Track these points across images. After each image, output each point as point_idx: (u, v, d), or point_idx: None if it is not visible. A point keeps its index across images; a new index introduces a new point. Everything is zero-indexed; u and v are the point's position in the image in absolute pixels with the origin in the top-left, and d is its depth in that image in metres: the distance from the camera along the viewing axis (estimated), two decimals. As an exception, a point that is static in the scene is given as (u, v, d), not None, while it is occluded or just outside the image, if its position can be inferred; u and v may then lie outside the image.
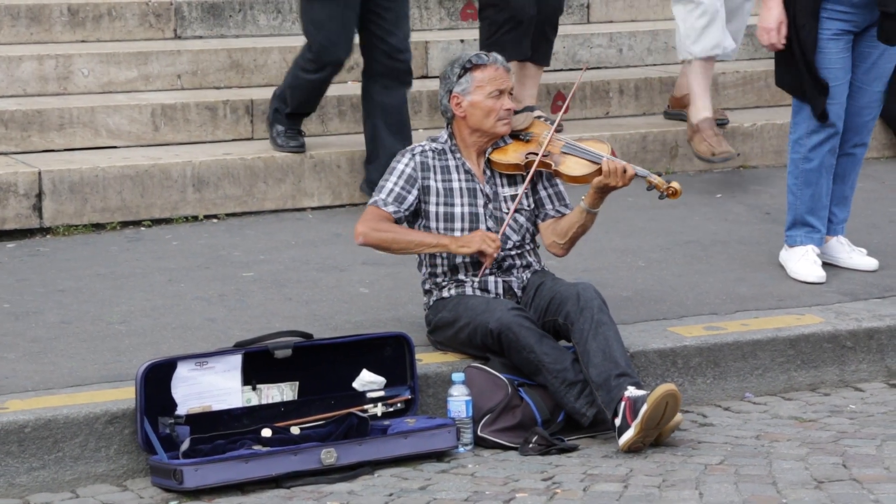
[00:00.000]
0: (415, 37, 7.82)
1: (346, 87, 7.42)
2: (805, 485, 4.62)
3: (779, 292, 5.96)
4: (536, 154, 5.26)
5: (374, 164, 6.68)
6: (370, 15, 6.60)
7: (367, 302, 5.77)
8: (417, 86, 7.48)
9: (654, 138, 7.42)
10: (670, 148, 7.45)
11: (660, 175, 5.29)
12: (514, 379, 5.06)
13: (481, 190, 5.28)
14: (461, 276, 5.25)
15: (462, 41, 7.74)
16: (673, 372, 5.37)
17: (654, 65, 8.07)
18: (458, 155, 5.30)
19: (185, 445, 4.64)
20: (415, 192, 5.24)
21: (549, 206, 5.35)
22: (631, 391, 4.84)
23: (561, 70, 7.87)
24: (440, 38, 7.78)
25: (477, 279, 5.23)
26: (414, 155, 5.29)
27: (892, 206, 7.07)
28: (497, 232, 5.22)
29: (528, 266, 5.31)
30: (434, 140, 5.35)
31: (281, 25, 7.79)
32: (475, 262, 5.24)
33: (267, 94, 7.22)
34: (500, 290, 5.24)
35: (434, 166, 5.27)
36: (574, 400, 4.98)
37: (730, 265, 6.27)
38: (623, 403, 4.83)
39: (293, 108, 6.79)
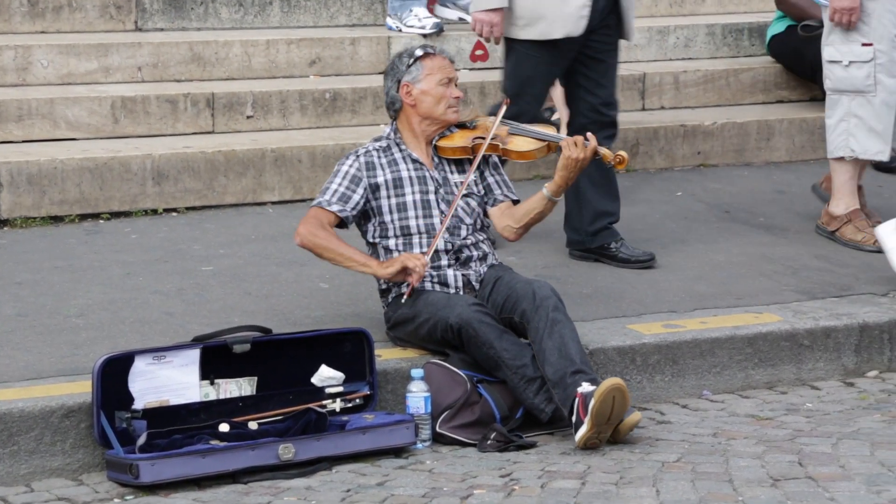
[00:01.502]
0: (377, 31, 7.81)
1: (308, 80, 7.40)
2: (761, 483, 4.64)
3: (737, 291, 5.99)
4: (483, 137, 5.32)
5: (576, 223, 6.25)
6: (578, 66, 6.16)
7: (327, 297, 5.76)
8: (379, 81, 7.43)
9: (615, 136, 7.43)
10: (631, 146, 7.46)
11: (608, 144, 5.38)
12: (474, 375, 5.06)
13: (431, 176, 5.30)
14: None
15: (425, 36, 7.71)
16: (632, 369, 5.39)
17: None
18: (403, 147, 5.33)
19: (141, 440, 4.62)
20: (360, 191, 5.26)
21: (497, 192, 5.40)
22: (584, 387, 4.85)
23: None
24: (402, 34, 7.76)
25: (428, 276, 5.21)
26: (358, 156, 5.32)
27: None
28: (446, 215, 5.24)
29: (485, 258, 5.32)
30: (377, 139, 5.38)
31: (243, 19, 7.76)
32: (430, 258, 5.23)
33: (228, 87, 7.19)
34: (460, 284, 5.25)
35: (380, 164, 5.30)
36: (533, 396, 4.98)
37: (689, 263, 6.29)
38: (576, 400, 4.84)
39: None
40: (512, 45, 6.18)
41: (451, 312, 5.04)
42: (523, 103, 6.03)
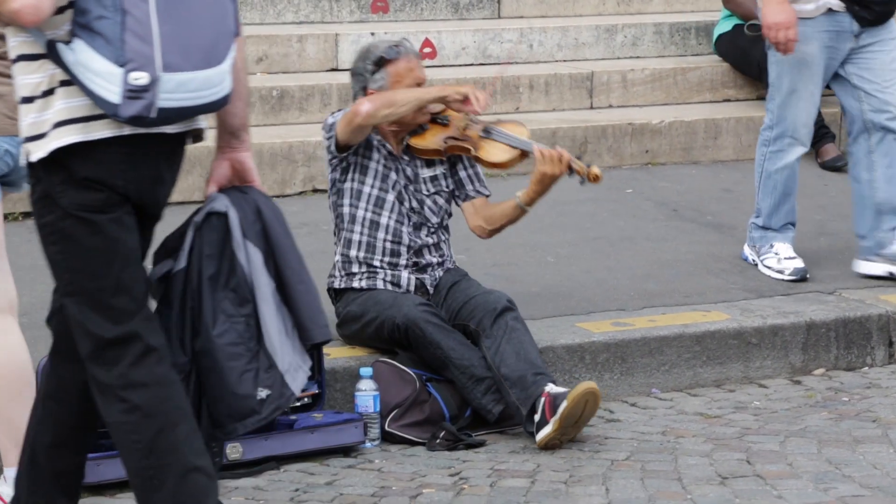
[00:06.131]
0: (324, 29, 7.78)
1: (255, 78, 7.36)
2: (710, 480, 4.65)
3: (685, 289, 6.00)
4: (456, 139, 5.23)
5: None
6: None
7: (275, 295, 5.72)
8: (327, 78, 7.44)
9: (563, 134, 7.44)
10: (580, 144, 7.47)
11: (580, 158, 5.27)
12: (423, 374, 5.04)
13: (403, 171, 5.24)
14: (375, 264, 5.21)
15: (373, 34, 7.70)
16: (580, 367, 5.39)
17: (564, 61, 8.10)
18: (375, 139, 5.24)
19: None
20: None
21: (469, 187, 5.35)
22: (551, 387, 4.84)
23: (472, 65, 7.86)
24: (350, 31, 7.75)
25: (381, 274, 5.18)
26: None
27: (796, 205, 7.14)
28: (418, 220, 5.18)
29: (443, 263, 5.29)
30: None
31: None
32: (392, 250, 5.20)
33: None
34: (412, 287, 5.22)
35: (360, 147, 5.19)
36: (481, 396, 4.97)
37: (637, 261, 6.30)
38: (543, 399, 4.83)
39: None
40: None
41: (397, 312, 5.02)
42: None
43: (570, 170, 5.20)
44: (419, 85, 5.20)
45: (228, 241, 3.83)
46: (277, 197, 6.84)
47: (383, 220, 5.20)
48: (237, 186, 3.93)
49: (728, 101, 8.13)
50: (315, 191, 6.95)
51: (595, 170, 5.22)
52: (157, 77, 3.52)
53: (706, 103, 8.06)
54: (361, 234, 5.21)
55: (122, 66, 3.50)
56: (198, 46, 3.58)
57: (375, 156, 5.23)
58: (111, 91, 3.51)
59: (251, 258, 3.82)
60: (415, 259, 5.23)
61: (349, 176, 5.21)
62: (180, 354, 3.79)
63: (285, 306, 3.84)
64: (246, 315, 3.80)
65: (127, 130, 3.61)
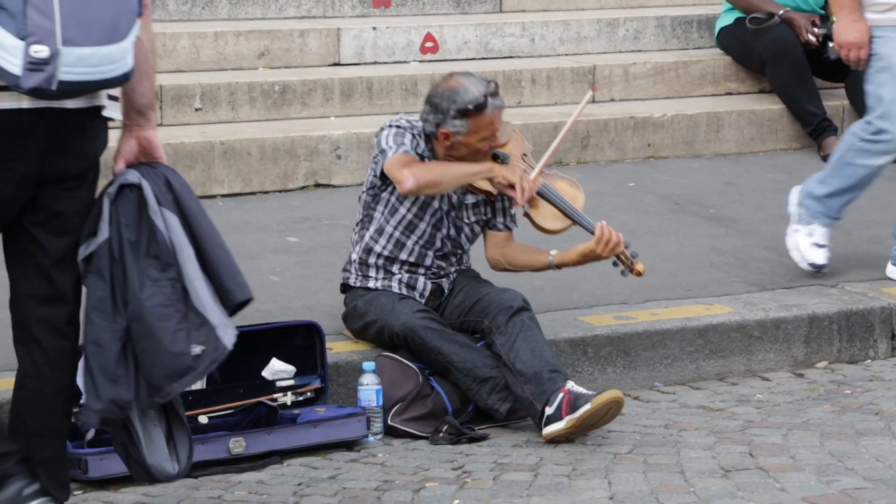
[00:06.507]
0: (326, 24, 7.78)
1: (257, 73, 7.36)
2: (712, 473, 4.65)
3: (688, 282, 6.01)
4: (511, 187, 5.03)
5: None
6: None
7: (278, 290, 5.73)
8: (329, 73, 7.45)
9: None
10: (581, 138, 7.47)
11: (627, 247, 5.17)
12: (426, 368, 5.04)
13: (448, 198, 5.16)
14: (393, 270, 5.19)
15: (374, 28, 7.71)
16: (583, 361, 5.39)
17: (566, 55, 8.10)
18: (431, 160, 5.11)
19: (90, 434, 4.57)
20: None
21: (499, 219, 5.27)
22: (573, 386, 4.84)
23: (473, 59, 7.86)
24: (352, 26, 7.75)
25: (398, 276, 5.15)
26: (413, 136, 5.06)
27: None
28: (457, 241, 5.15)
29: (460, 268, 5.27)
30: (410, 124, 5.10)
31: (191, 11, 7.71)
32: (410, 269, 5.14)
33: (176, 80, 7.14)
34: (428, 291, 5.18)
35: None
36: (487, 396, 4.97)
37: (640, 255, 6.29)
38: (561, 395, 4.82)
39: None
40: None
41: (395, 320, 5.00)
42: None
43: (617, 257, 5.16)
44: (495, 135, 5.04)
45: (144, 209, 3.94)
46: (279, 192, 6.86)
47: (409, 244, 5.16)
48: (145, 162, 4.05)
49: (730, 94, 8.13)
50: (317, 185, 6.96)
51: (640, 267, 5.17)
52: (57, 50, 3.64)
53: (708, 97, 8.06)
54: (384, 247, 5.17)
55: (23, 38, 3.63)
56: (98, 22, 3.70)
57: None
58: (13, 63, 3.64)
59: (169, 223, 3.93)
60: (434, 270, 5.22)
61: (390, 188, 5.11)
62: (119, 320, 3.88)
63: (205, 273, 3.96)
64: (171, 279, 3.91)
65: (26, 103, 3.75)
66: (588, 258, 5.15)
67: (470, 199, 5.19)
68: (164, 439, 4.00)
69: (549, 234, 5.24)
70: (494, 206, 5.25)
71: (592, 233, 5.13)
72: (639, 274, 5.18)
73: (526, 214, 5.18)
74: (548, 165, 5.27)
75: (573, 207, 5.18)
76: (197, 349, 3.88)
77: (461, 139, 5.02)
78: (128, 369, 3.87)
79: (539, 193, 5.15)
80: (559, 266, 5.22)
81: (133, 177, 3.97)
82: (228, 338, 3.93)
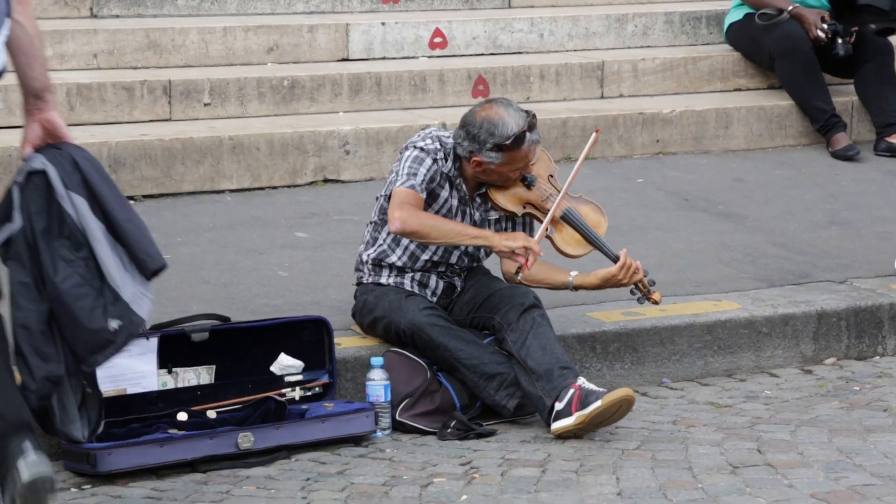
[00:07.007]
0: (335, 19, 7.78)
1: (266, 68, 7.36)
2: (720, 470, 4.65)
3: (696, 278, 6.00)
4: (536, 209, 5.09)
5: None
6: None
7: (286, 285, 5.73)
8: (338, 68, 7.44)
9: (574, 124, 7.44)
10: (590, 133, 7.46)
11: (646, 275, 5.19)
12: (433, 363, 5.04)
13: (471, 216, 5.17)
14: (405, 271, 5.18)
15: (383, 24, 7.70)
16: (591, 357, 5.39)
17: (575, 50, 8.09)
18: (457, 180, 5.11)
19: (98, 429, 4.58)
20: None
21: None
22: (584, 382, 4.85)
23: (482, 55, 7.86)
24: (361, 21, 7.75)
25: (409, 274, 5.15)
26: (436, 160, 5.07)
27: (807, 194, 7.14)
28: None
29: (471, 265, 5.27)
30: (438, 144, 5.09)
31: (199, 5, 7.71)
32: (422, 273, 5.14)
33: (185, 74, 7.14)
34: (440, 290, 5.18)
35: (437, 178, 5.08)
36: (494, 392, 4.98)
37: (648, 251, 6.29)
38: (572, 391, 4.83)
39: None
40: None
41: (402, 317, 5.01)
42: None
43: (635, 284, 5.18)
44: (527, 166, 5.05)
45: (52, 195, 4.06)
46: (288, 187, 6.86)
47: (424, 256, 5.16)
48: (52, 144, 4.12)
49: (739, 90, 8.12)
50: (326, 181, 6.96)
51: (656, 296, 5.20)
52: None
53: (717, 93, 8.05)
54: (399, 258, 5.16)
55: None
56: None
57: (448, 191, 5.10)
58: None
59: (77, 206, 4.07)
60: (448, 273, 5.21)
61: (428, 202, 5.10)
62: (43, 301, 4.03)
63: (119, 245, 4.11)
64: (84, 258, 4.07)
65: None
66: (609, 283, 5.16)
67: (493, 215, 5.20)
68: (77, 406, 4.24)
69: (568, 258, 5.25)
70: (515, 224, 5.26)
71: (614, 260, 5.15)
72: (655, 302, 5.21)
73: (548, 237, 5.18)
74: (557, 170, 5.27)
75: (596, 235, 5.21)
76: (114, 324, 4.08)
77: (494, 168, 5.05)
78: (56, 346, 4.06)
79: (563, 218, 5.17)
80: (577, 288, 5.21)
81: (38, 163, 4.07)
82: (143, 310, 4.12)
